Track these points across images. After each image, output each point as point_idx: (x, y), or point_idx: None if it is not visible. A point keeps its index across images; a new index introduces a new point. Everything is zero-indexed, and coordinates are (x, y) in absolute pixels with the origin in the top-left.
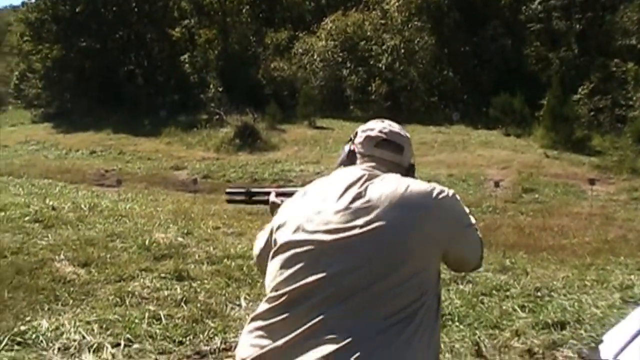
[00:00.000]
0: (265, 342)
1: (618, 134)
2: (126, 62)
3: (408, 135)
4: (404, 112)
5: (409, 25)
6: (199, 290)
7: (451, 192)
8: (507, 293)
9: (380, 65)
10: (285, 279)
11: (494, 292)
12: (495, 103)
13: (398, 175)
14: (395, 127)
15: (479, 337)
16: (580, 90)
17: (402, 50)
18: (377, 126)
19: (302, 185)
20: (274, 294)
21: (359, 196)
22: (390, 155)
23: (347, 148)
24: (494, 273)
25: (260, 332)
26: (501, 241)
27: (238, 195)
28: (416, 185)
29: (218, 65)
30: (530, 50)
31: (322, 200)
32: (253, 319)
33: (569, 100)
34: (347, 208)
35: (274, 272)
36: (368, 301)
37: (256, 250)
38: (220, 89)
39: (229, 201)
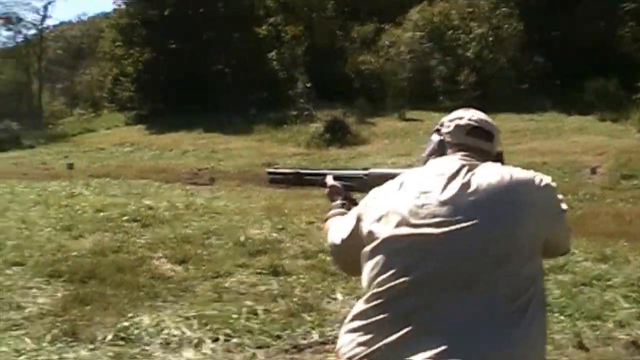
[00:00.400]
0: (373, 340)
1: None
2: (215, 62)
3: (495, 123)
4: (493, 100)
5: (497, 12)
6: (294, 284)
7: (549, 179)
8: (609, 283)
9: (468, 54)
10: (391, 275)
11: (594, 282)
12: (589, 87)
13: (498, 164)
14: (482, 114)
15: (580, 328)
16: None
17: (490, 38)
18: (466, 114)
19: (363, 168)
20: (377, 290)
21: (464, 187)
22: (482, 143)
23: (435, 138)
24: (593, 262)
25: (366, 330)
26: (600, 229)
27: (282, 175)
28: (519, 174)
29: (305, 61)
30: (624, 31)
31: (424, 192)
32: (356, 316)
33: None
34: (452, 200)
35: (376, 268)
36: (480, 295)
37: (335, 240)
38: (309, 85)
39: (272, 181)
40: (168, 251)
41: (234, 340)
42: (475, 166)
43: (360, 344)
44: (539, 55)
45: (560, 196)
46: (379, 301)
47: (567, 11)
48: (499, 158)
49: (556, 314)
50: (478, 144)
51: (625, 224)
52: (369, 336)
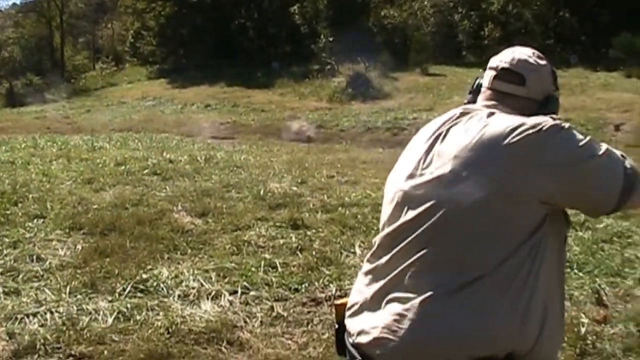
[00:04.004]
0: (364, 288)
1: None
2: (237, 16)
3: (542, 62)
4: None
5: None
6: (314, 238)
7: (546, 125)
8: (630, 240)
9: (492, 8)
10: (381, 226)
11: (615, 239)
12: (616, 43)
13: (486, 113)
14: (523, 54)
15: (599, 285)
16: None
17: None
18: (501, 55)
19: None
20: (375, 240)
21: (437, 139)
22: (508, 86)
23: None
24: (614, 219)
25: (362, 278)
26: None
27: None
28: (496, 124)
29: (328, 14)
30: None
31: (415, 144)
32: (365, 262)
33: None
34: (425, 153)
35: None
36: (440, 256)
37: None
38: (331, 39)
39: None
40: (188, 204)
41: (252, 293)
42: (466, 114)
43: (357, 292)
44: (564, 9)
45: (583, 142)
46: (374, 249)
47: None
48: (547, 103)
49: (575, 271)
50: (504, 88)
51: None
52: (362, 284)
